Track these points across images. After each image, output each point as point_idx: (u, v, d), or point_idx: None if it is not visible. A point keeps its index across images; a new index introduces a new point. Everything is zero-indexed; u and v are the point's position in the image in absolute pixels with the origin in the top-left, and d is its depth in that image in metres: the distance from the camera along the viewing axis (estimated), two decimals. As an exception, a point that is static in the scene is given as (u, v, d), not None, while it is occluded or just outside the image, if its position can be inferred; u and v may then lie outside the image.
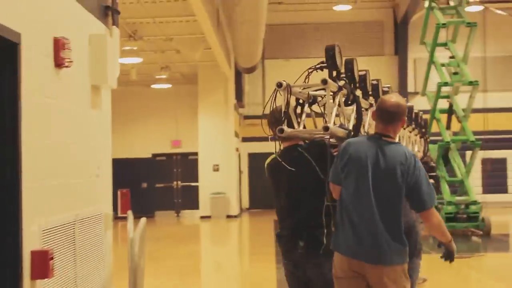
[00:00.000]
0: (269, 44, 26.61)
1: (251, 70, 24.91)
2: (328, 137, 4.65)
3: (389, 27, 29.40)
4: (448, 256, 4.67)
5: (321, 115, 4.75)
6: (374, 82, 5.54)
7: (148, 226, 6.80)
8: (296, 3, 28.02)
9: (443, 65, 17.65)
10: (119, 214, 24.04)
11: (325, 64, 4.68)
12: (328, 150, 4.64)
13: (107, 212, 6.53)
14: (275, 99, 4.63)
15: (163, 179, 27.28)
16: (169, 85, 25.72)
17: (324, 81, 4.45)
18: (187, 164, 27.15)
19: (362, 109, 5.13)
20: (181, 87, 26.67)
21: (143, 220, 6.48)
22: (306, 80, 4.80)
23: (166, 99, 27.04)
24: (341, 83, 4.80)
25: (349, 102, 4.97)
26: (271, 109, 4.74)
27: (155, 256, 14.03)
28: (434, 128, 17.89)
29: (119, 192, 25.43)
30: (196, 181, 25.42)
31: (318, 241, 4.63)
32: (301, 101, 4.77)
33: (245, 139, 28.39)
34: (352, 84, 4.88)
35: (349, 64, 4.77)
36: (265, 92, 28.69)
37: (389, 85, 6.26)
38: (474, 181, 21.52)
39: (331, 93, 4.62)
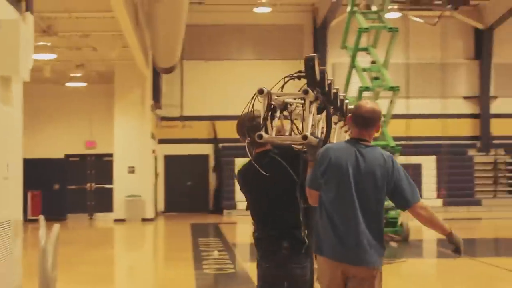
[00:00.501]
0: (188, 45, 26.15)
1: (169, 70, 24.41)
2: (301, 145, 4.78)
3: (308, 31, 29.42)
4: (456, 249, 4.70)
5: (290, 121, 4.86)
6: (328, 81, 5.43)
7: (60, 230, 6.31)
8: (217, 4, 27.67)
9: (364, 70, 17.59)
10: (29, 217, 23.11)
11: (303, 74, 4.73)
12: (302, 156, 4.81)
13: (16, 219, 5.97)
14: (253, 105, 4.71)
15: (76, 180, 26.50)
16: (84, 84, 24.92)
17: (306, 91, 4.53)
18: (101, 166, 26.42)
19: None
20: (96, 86, 25.91)
21: (56, 227, 5.96)
22: (282, 89, 4.84)
23: (81, 98, 26.24)
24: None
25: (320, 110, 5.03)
26: (242, 115, 4.85)
27: (66, 261, 13.36)
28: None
29: (29, 194, 24.49)
30: (111, 183, 24.76)
31: (300, 241, 4.80)
32: (272, 106, 4.75)
33: (161, 141, 27.91)
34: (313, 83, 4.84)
35: (310, 61, 4.72)
36: (183, 93, 28.23)
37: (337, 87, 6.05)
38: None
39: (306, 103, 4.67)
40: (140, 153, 24.44)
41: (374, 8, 17.77)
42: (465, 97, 29.66)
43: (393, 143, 16.78)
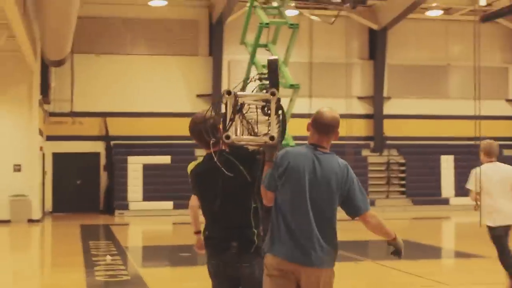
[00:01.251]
0: (79, 38, 25.00)
1: (59, 63, 23.19)
2: (258, 146, 4.83)
3: (204, 27, 28.85)
4: (397, 252, 4.90)
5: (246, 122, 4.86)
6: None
7: None
8: (111, -4, 26.66)
9: (264, 67, 17.13)
10: None
11: (266, 76, 4.84)
12: (257, 156, 4.87)
13: None
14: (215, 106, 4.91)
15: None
16: (-34, 76, 23.36)
17: (273, 93, 4.65)
18: (-17, 164, 24.85)
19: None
20: (-21, 79, 24.36)
21: None
22: (245, 89, 5.02)
23: (-39, 91, 24.61)
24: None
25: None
26: (196, 116, 5.01)
27: None
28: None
29: None
30: (-6, 182, 23.31)
31: (250, 241, 4.90)
32: (238, 107, 4.77)
33: (50, 138, 26.61)
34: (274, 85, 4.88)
35: (274, 64, 4.87)
36: (74, 88, 27.01)
37: None
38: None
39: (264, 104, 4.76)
40: (26, 151, 23.28)
41: (275, 3, 17.33)
42: (359, 98, 29.81)
43: (292, 143, 16.40)
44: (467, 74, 28.75)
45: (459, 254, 15.93)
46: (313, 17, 25.41)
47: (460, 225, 24.09)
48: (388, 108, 29.73)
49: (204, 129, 4.91)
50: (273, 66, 4.84)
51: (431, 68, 30.28)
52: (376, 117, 29.50)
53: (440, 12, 29.67)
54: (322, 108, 4.93)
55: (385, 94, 29.79)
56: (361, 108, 29.71)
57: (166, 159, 27.03)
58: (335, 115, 4.85)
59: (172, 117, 27.59)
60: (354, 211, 4.79)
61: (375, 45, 29.65)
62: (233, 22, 27.09)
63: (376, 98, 29.59)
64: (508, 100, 30.91)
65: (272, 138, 4.62)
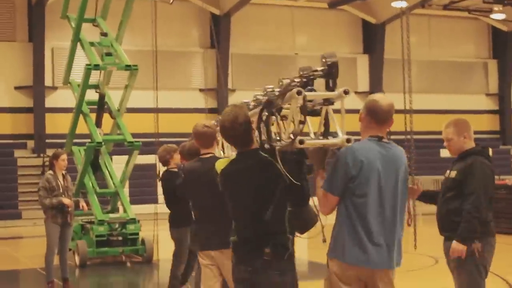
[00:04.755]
0: None
1: None
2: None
3: (22, 9, 24.92)
4: None
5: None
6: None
7: None
8: None
9: (92, 44, 13.83)
10: None
11: (322, 73, 4.44)
12: (296, 157, 4.52)
13: None
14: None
15: None
16: None
17: (347, 92, 4.32)
18: None
19: None
20: None
21: None
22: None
23: None
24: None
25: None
26: (226, 119, 4.67)
27: None
28: (82, 125, 14.01)
29: None
30: None
31: (284, 247, 4.62)
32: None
33: None
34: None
35: (336, 61, 4.43)
36: None
37: None
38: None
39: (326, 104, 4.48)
40: None
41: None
42: (201, 90, 26.98)
43: (130, 138, 13.24)
44: (314, 63, 26.64)
45: None
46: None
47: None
48: (234, 101, 27.02)
49: (236, 134, 4.68)
50: (336, 63, 4.43)
51: (278, 58, 28.01)
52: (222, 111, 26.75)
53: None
54: (374, 96, 4.72)
55: (229, 86, 27.17)
56: (205, 101, 26.83)
57: None
58: (391, 101, 4.66)
59: None
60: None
61: (218, 34, 26.89)
62: (56, 3, 23.32)
63: (220, 91, 26.89)
64: (357, 93, 29.22)
65: (348, 140, 4.34)
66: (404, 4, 15.80)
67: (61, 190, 9.86)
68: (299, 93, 4.21)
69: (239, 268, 4.72)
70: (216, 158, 5.69)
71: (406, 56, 11.46)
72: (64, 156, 9.98)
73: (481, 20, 30.92)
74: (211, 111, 26.48)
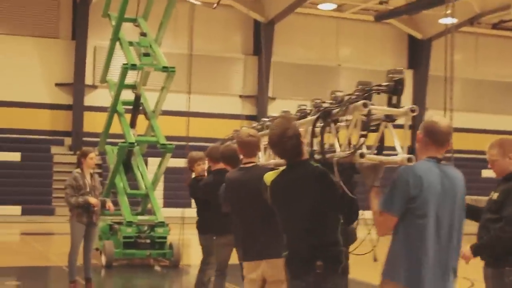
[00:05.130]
0: None
1: None
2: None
3: (67, 6, 25.08)
4: None
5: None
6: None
7: None
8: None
9: (131, 44, 13.69)
10: None
11: (387, 88, 4.40)
12: (350, 169, 4.53)
13: None
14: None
15: None
16: None
17: (414, 110, 4.34)
18: None
19: None
20: None
21: None
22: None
23: None
24: None
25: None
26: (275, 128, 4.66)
27: None
28: (116, 125, 13.87)
29: None
30: None
31: (337, 260, 4.55)
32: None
33: None
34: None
35: (403, 78, 4.43)
36: None
37: None
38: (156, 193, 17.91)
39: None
40: None
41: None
42: (241, 96, 26.78)
43: (163, 140, 13.05)
44: (357, 76, 26.30)
45: None
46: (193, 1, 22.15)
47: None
48: (273, 109, 26.79)
49: (286, 148, 4.57)
50: (402, 79, 4.39)
51: (320, 68, 27.70)
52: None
53: (333, 6, 27.16)
54: (434, 117, 4.62)
55: (270, 94, 26.92)
56: (243, 108, 26.66)
57: (15, 156, 23.56)
58: (449, 123, 4.63)
59: (25, 108, 24.12)
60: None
61: (260, 40, 26.70)
62: (100, 2, 23.30)
63: (260, 98, 26.66)
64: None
65: (410, 159, 4.26)
66: (451, 21, 15.39)
67: (88, 189, 9.67)
68: (365, 105, 4.18)
69: (294, 283, 4.64)
70: (259, 168, 5.78)
71: (450, 73, 11.16)
72: (92, 155, 9.79)
73: (529, 40, 30.30)
74: (249, 118, 26.32)
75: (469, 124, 27.36)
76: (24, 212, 22.05)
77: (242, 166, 5.99)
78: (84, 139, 23.97)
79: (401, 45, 29.55)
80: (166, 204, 21.98)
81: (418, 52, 29.10)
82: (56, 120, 24.90)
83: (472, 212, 5.55)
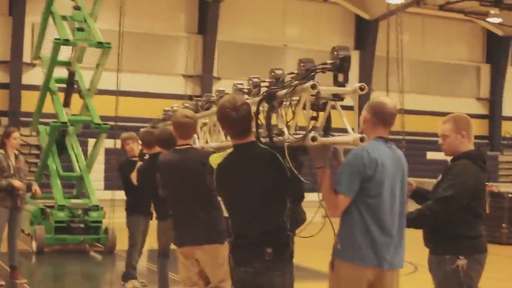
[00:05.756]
0: None
1: None
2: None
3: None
4: None
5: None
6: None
7: None
8: None
9: (64, 18, 13.01)
10: None
11: (329, 67, 4.25)
12: (306, 154, 4.41)
13: None
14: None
15: None
16: None
17: (363, 88, 4.21)
18: None
19: None
20: None
21: None
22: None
23: None
24: None
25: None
26: (225, 102, 4.48)
27: None
28: (49, 104, 13.21)
29: None
30: None
31: (285, 245, 4.48)
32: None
33: None
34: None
35: (349, 55, 4.24)
36: None
37: None
38: (96, 175, 17.21)
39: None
40: None
41: None
42: (184, 76, 26.24)
43: (98, 120, 12.45)
44: (304, 55, 25.89)
45: None
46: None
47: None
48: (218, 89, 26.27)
49: (237, 117, 4.40)
50: (348, 57, 4.23)
51: (266, 48, 27.25)
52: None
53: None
54: (380, 98, 4.70)
55: (215, 73, 26.37)
56: (186, 87, 26.10)
57: None
58: (395, 104, 4.70)
59: None
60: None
61: (206, 18, 26.10)
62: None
63: (205, 78, 26.10)
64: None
65: (362, 139, 4.04)
66: (399, 1, 15.10)
67: (12, 171, 9.09)
68: (313, 87, 4.07)
69: (238, 270, 4.53)
70: (194, 150, 5.68)
71: (400, 54, 10.85)
72: (16, 134, 9.20)
73: (476, 23, 30.27)
74: (193, 98, 25.76)
75: (417, 106, 27.26)
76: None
77: (176, 148, 5.77)
78: (22, 119, 23.07)
79: (349, 25, 29.22)
80: (107, 187, 21.30)
81: (365, 33, 28.82)
82: (-8, 99, 23.93)
83: (419, 196, 5.37)
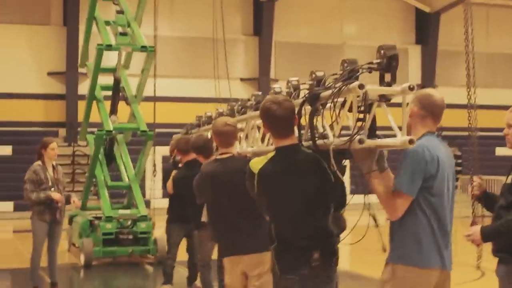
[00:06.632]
0: None
1: None
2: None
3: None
4: None
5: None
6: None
7: None
8: None
9: (107, 23, 12.65)
10: None
11: (379, 66, 4.06)
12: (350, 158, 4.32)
13: None
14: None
15: None
16: None
17: (413, 88, 3.99)
18: None
19: None
20: None
21: None
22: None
23: None
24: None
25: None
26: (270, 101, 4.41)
27: None
28: (95, 113, 12.88)
29: None
30: None
31: (332, 251, 4.41)
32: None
33: None
34: None
35: (397, 54, 4.08)
36: None
37: None
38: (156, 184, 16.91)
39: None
40: None
41: None
42: (242, 79, 25.73)
43: (144, 127, 12.01)
44: (363, 53, 25.16)
45: None
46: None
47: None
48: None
49: (281, 113, 4.30)
50: (396, 56, 4.05)
51: (324, 47, 26.57)
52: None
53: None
54: (426, 90, 4.49)
55: (272, 75, 25.87)
56: (244, 91, 25.64)
57: (6, 150, 22.75)
58: (443, 96, 4.45)
59: (15, 99, 23.35)
60: None
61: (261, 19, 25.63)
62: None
63: (262, 80, 25.62)
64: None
65: (411, 141, 3.89)
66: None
67: (50, 183, 8.69)
68: (361, 87, 3.90)
69: (284, 277, 4.39)
70: (236, 159, 5.57)
71: (470, 48, 10.16)
72: (53, 145, 8.81)
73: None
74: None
75: (482, 101, 26.18)
76: (17, 208, 21.10)
77: (218, 157, 5.63)
78: (80, 129, 23.02)
79: (408, 20, 28.35)
80: (165, 195, 20.98)
81: (426, 27, 27.88)
82: (49, 111, 23.99)
83: (488, 199, 5.02)
